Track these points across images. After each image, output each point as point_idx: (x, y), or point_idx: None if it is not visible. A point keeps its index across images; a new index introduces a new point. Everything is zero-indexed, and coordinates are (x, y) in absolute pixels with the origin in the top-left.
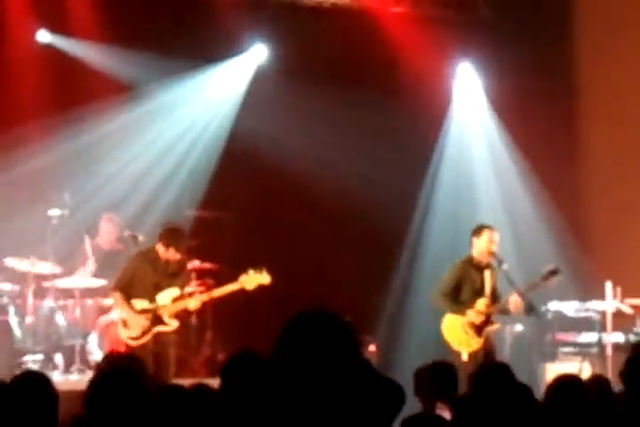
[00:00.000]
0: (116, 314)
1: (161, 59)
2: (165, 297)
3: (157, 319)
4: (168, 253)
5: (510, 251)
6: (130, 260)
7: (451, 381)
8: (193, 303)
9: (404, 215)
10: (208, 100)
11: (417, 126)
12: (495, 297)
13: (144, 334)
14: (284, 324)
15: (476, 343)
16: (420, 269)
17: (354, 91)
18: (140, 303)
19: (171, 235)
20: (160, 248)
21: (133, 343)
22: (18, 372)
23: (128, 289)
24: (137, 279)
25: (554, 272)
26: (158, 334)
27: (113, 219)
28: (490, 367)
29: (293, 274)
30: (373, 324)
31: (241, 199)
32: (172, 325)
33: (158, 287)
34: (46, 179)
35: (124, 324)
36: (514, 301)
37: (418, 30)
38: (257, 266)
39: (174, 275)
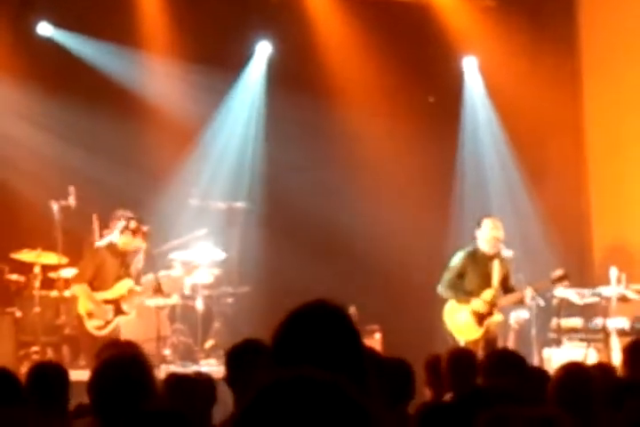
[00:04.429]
0: (81, 306)
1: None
2: (122, 287)
3: (118, 309)
4: (134, 242)
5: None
6: (93, 253)
7: (472, 370)
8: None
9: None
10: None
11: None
12: (507, 287)
13: (107, 323)
14: (282, 318)
15: (475, 332)
16: None
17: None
18: (103, 294)
19: (138, 223)
20: (124, 238)
21: (99, 333)
22: (24, 363)
23: (92, 281)
24: (102, 272)
25: (562, 278)
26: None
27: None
28: (502, 355)
29: (305, 267)
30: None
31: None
32: (132, 314)
33: (119, 279)
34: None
35: (90, 315)
36: (526, 293)
37: (422, 20)
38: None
39: (128, 266)
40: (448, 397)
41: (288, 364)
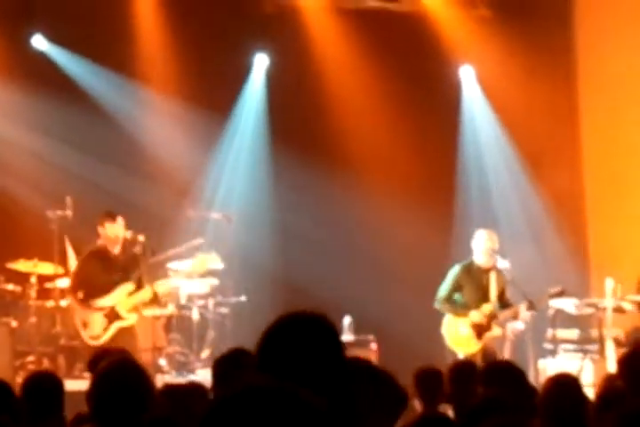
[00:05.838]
0: (76, 316)
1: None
2: (120, 292)
3: (115, 315)
4: (115, 235)
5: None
6: (82, 260)
7: (473, 382)
8: (147, 295)
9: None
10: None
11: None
12: (503, 300)
13: (104, 331)
14: (266, 329)
15: (474, 346)
16: None
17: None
18: (101, 301)
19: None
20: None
21: (95, 343)
22: (20, 373)
23: (84, 289)
24: (92, 278)
25: (560, 294)
26: (120, 330)
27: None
28: (499, 367)
29: (302, 278)
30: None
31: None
32: (131, 319)
33: (114, 284)
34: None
35: (84, 325)
36: (520, 309)
37: (418, 30)
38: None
39: (126, 269)
40: (444, 409)
41: (271, 373)
